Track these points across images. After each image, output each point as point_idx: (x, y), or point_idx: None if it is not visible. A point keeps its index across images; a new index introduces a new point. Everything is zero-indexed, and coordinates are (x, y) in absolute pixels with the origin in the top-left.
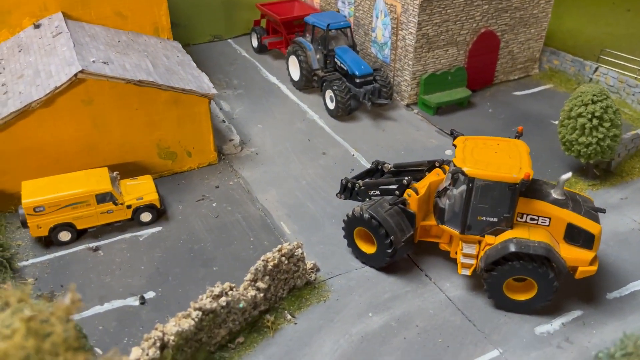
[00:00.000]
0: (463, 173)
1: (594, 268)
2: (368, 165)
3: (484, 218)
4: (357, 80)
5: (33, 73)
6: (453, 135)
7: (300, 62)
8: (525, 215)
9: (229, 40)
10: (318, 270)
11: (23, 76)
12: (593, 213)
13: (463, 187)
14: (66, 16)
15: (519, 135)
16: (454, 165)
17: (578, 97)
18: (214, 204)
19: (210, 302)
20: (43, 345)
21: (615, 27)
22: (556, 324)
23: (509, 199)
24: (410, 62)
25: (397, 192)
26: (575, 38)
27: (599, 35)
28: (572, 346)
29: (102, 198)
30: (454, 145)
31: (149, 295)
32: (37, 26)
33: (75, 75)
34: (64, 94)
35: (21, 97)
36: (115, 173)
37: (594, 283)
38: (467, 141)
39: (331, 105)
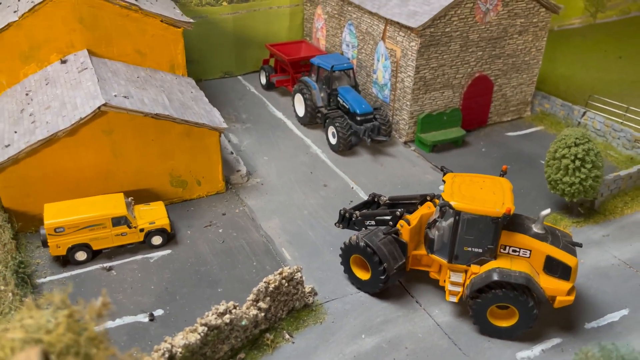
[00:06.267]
0: (450, 207)
1: (571, 298)
2: (366, 198)
3: (469, 249)
4: (358, 118)
5: (59, 105)
6: (443, 171)
7: (305, 99)
8: (507, 247)
9: (239, 76)
10: (316, 294)
11: (50, 107)
12: (570, 247)
13: (451, 220)
14: (91, 53)
15: (503, 174)
16: (443, 199)
17: (562, 140)
18: (220, 230)
19: (216, 318)
20: (79, 339)
21: (606, 73)
22: (536, 350)
23: (492, 231)
24: (408, 103)
25: (390, 223)
26: (568, 82)
27: (591, 81)
28: None
29: (117, 221)
30: (444, 181)
31: (158, 312)
32: (63, 62)
33: (99, 107)
34: (88, 124)
35: (48, 126)
36: (130, 198)
37: (574, 313)
38: (456, 177)
39: (333, 141)
